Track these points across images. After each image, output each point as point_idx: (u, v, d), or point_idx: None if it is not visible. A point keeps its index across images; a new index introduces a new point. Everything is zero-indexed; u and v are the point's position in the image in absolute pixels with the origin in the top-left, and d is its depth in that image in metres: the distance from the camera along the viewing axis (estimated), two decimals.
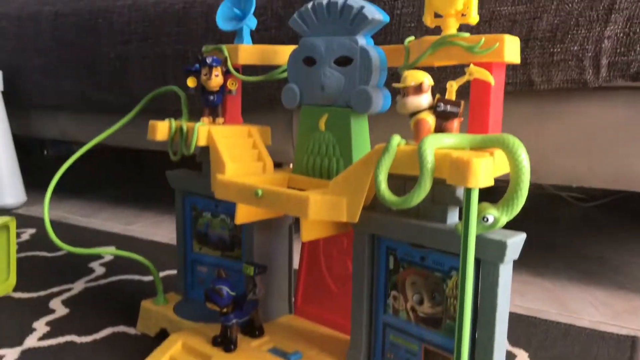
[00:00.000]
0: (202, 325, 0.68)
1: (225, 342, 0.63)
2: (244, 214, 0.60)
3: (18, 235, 1.24)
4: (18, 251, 1.11)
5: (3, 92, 1.47)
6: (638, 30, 0.75)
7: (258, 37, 1.01)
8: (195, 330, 0.67)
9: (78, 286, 0.92)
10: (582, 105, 0.83)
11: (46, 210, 0.71)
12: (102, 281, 0.95)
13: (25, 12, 1.44)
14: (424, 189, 0.45)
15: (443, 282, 0.51)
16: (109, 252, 0.73)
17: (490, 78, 0.47)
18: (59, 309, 0.83)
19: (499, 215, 0.45)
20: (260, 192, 0.55)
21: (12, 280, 0.91)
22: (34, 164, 2.08)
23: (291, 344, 0.64)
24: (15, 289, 0.91)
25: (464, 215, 0.43)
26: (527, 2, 0.80)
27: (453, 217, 0.50)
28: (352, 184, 0.51)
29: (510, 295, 0.49)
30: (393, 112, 0.58)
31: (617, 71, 0.77)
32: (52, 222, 1.37)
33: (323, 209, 0.51)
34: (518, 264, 1.03)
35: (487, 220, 0.45)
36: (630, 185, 0.82)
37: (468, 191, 0.43)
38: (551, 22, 0.79)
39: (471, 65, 0.47)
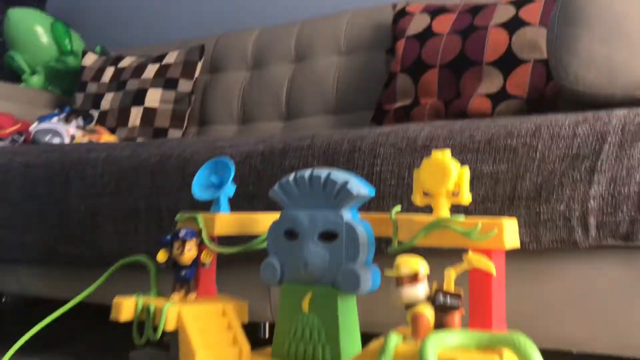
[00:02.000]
0: None
1: None
2: None
3: None
4: None
5: None
6: (623, 191, 0.74)
7: (235, 193, 0.98)
8: None
9: None
10: (574, 264, 0.80)
11: None
12: None
13: None
14: None
15: None
16: None
17: (492, 269, 0.43)
18: None
19: None
20: None
21: None
22: None
23: None
24: None
25: None
26: (508, 161, 0.80)
27: None
28: None
29: None
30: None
31: (607, 231, 0.75)
32: None
33: None
34: None
35: None
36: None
37: None
38: (535, 182, 0.78)
39: (469, 253, 0.44)
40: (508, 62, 1.23)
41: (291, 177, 0.58)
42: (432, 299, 0.44)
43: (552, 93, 1.21)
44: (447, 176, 0.47)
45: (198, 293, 0.64)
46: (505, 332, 0.40)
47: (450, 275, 0.44)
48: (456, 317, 0.44)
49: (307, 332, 0.55)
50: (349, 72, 1.63)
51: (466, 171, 0.48)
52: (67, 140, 1.51)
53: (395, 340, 0.42)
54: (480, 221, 0.44)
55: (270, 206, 0.80)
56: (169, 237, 0.63)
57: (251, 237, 0.64)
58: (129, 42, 2.21)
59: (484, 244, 0.44)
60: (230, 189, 0.65)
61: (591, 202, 0.75)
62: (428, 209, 0.49)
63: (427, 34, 1.36)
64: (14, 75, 2.09)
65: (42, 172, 1.29)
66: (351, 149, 0.91)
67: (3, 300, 2.28)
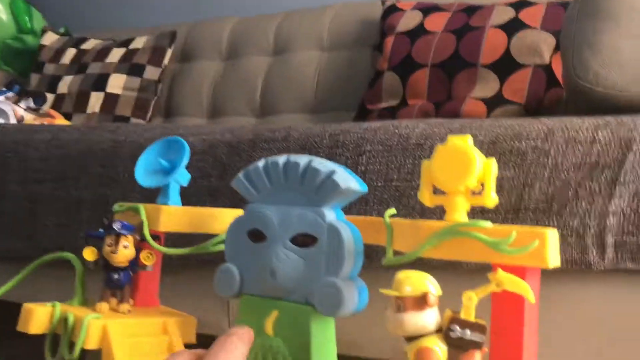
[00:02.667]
0: None
1: None
2: None
3: None
4: None
5: None
6: None
7: (195, 187, 0.85)
8: None
9: None
10: (586, 289, 0.69)
11: None
12: None
13: None
14: None
15: None
16: None
17: (529, 293, 0.31)
18: None
19: None
20: None
21: None
22: None
23: None
24: None
25: None
26: (515, 167, 0.69)
27: None
28: None
29: None
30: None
31: (627, 253, 0.65)
32: None
33: None
34: None
35: None
36: None
37: None
38: (545, 191, 0.67)
39: (499, 271, 0.32)
40: (505, 66, 1.13)
41: (261, 163, 0.45)
42: (445, 331, 0.32)
43: (551, 101, 1.11)
44: (469, 169, 0.35)
45: (134, 303, 0.51)
46: None
47: (471, 301, 0.33)
48: (477, 356, 0.32)
49: (268, 359, 0.42)
50: (331, 69, 1.51)
51: (493, 164, 0.36)
52: (12, 121, 1.36)
53: None
54: (515, 229, 0.32)
55: (237, 204, 0.68)
56: (101, 230, 0.50)
57: (207, 237, 0.52)
58: (96, 26, 2.06)
59: (518, 260, 0.32)
60: (183, 175, 0.53)
61: (610, 219, 0.65)
62: (438, 212, 0.37)
63: (419, 31, 1.25)
64: None
65: None
66: (333, 144, 0.79)
67: None
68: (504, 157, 0.69)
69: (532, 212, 0.67)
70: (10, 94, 1.44)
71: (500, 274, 0.32)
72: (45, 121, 1.44)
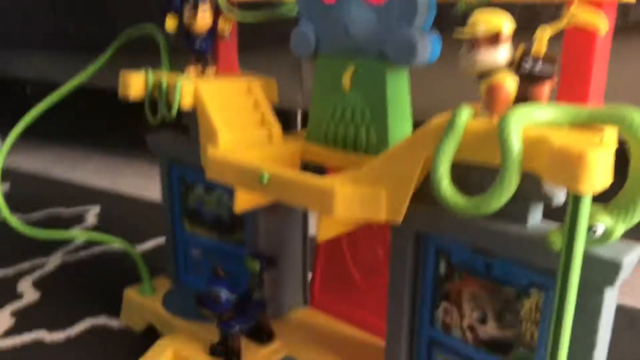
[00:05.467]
0: (197, 326, 0.55)
1: (226, 353, 0.51)
2: (246, 200, 0.46)
3: None
4: None
5: None
6: None
7: None
8: (190, 333, 0.55)
9: (53, 261, 0.80)
10: None
11: None
12: (83, 253, 0.82)
13: None
14: (507, 189, 0.31)
15: (517, 300, 0.38)
16: (80, 236, 0.60)
17: (602, 24, 0.32)
18: (28, 292, 0.71)
19: (612, 225, 0.31)
20: (266, 177, 0.41)
21: None
22: (12, 104, 1.92)
23: (308, 352, 0.52)
24: None
25: (568, 226, 0.30)
26: None
27: (535, 217, 0.37)
28: (394, 172, 0.37)
29: None
30: (442, 64, 0.43)
31: None
32: (31, 176, 1.23)
33: (354, 205, 0.38)
34: None
35: (596, 230, 0.31)
36: None
37: (576, 196, 0.29)
38: None
39: (574, 4, 0.32)
40: None
41: None
42: (516, 66, 0.34)
43: None
44: None
45: (217, 69, 0.54)
46: (606, 107, 0.31)
47: (543, 36, 0.34)
48: (546, 88, 0.34)
49: (348, 113, 0.46)
50: None
51: None
52: None
53: (466, 114, 0.33)
54: None
55: None
56: (178, 0, 0.52)
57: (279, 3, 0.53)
58: None
59: None
60: None
61: None
62: None
63: None
64: None
65: None
66: None
67: (27, 91, 2.24)
68: None
69: None
70: None
71: (575, 7, 0.32)
72: None
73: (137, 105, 0.55)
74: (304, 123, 0.94)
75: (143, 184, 1.18)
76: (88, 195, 1.09)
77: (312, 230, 0.65)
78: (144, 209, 1.01)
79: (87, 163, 1.36)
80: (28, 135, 0.59)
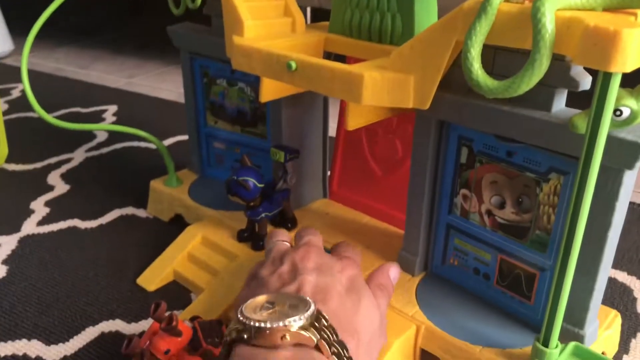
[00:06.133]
0: (223, 214, 0.58)
1: (253, 238, 0.54)
2: (271, 90, 0.47)
3: (6, 92, 1.11)
4: (7, 112, 1.00)
5: None
6: None
7: None
8: (217, 221, 0.57)
9: (78, 156, 0.82)
10: None
11: (24, 64, 0.58)
12: (105, 149, 0.84)
13: None
14: (538, 71, 0.31)
15: (537, 185, 0.40)
16: (107, 127, 0.61)
17: None
18: (58, 185, 0.73)
19: (637, 109, 0.32)
20: (294, 65, 0.41)
21: (4, 149, 0.80)
22: (22, 5, 1.89)
23: (330, 237, 0.55)
24: (8, 160, 0.81)
25: (594, 107, 0.30)
26: None
27: (559, 104, 0.37)
28: (423, 57, 0.37)
29: None
30: None
31: None
32: (45, 75, 1.23)
33: (382, 92, 0.38)
34: None
35: (621, 114, 0.32)
36: None
37: (607, 76, 0.29)
38: None
39: None
40: None
41: None
42: None
43: None
44: None
45: None
46: None
47: None
48: None
49: (373, 0, 0.46)
50: None
51: None
52: None
53: None
54: None
55: None
56: None
57: None
58: None
59: None
60: None
61: None
62: None
63: None
64: None
65: None
66: None
67: None
68: None
69: None
70: None
71: None
72: None
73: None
74: (314, 20, 0.93)
75: (157, 84, 1.18)
76: (104, 94, 1.10)
77: (331, 132, 0.66)
78: (160, 108, 1.02)
79: (100, 62, 1.35)
80: (37, 35, 0.59)
